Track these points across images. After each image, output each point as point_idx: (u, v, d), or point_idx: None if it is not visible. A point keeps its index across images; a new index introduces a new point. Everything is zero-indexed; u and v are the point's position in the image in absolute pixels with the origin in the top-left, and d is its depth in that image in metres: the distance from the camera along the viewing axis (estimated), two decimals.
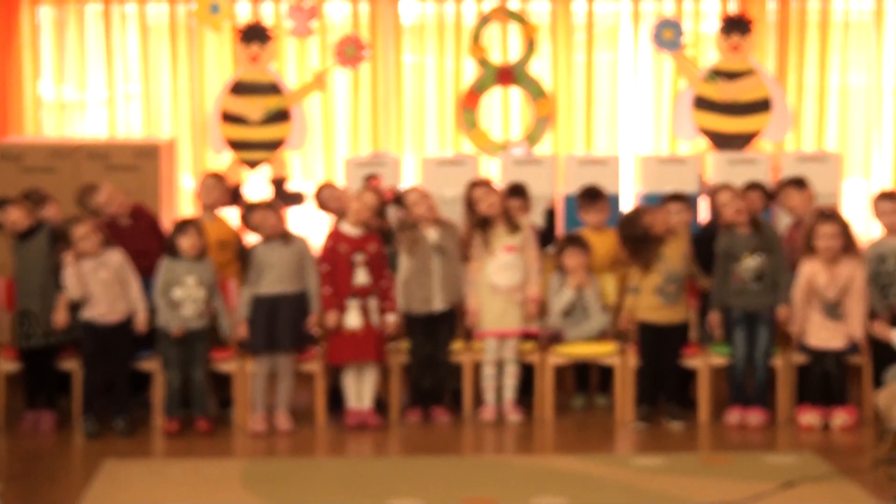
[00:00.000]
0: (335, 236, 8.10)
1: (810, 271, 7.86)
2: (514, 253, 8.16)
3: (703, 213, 9.17)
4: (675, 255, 8.09)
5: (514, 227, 8.19)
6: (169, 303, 7.89)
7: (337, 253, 8.03)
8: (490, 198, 8.20)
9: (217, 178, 8.87)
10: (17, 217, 7.99)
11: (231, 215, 9.29)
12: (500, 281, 8.14)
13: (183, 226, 8.00)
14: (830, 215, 7.99)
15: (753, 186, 8.45)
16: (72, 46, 10.07)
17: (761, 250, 8.01)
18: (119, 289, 7.91)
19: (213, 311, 8.00)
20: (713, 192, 8.27)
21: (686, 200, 8.33)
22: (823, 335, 7.93)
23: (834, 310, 7.86)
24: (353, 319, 7.98)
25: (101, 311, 7.88)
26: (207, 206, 8.67)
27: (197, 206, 8.83)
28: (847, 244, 7.85)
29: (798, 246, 8.06)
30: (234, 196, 9.55)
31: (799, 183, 8.36)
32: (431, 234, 8.20)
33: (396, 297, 8.11)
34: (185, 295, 7.89)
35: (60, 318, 7.92)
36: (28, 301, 7.98)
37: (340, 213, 8.30)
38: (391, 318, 8.05)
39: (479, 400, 8.30)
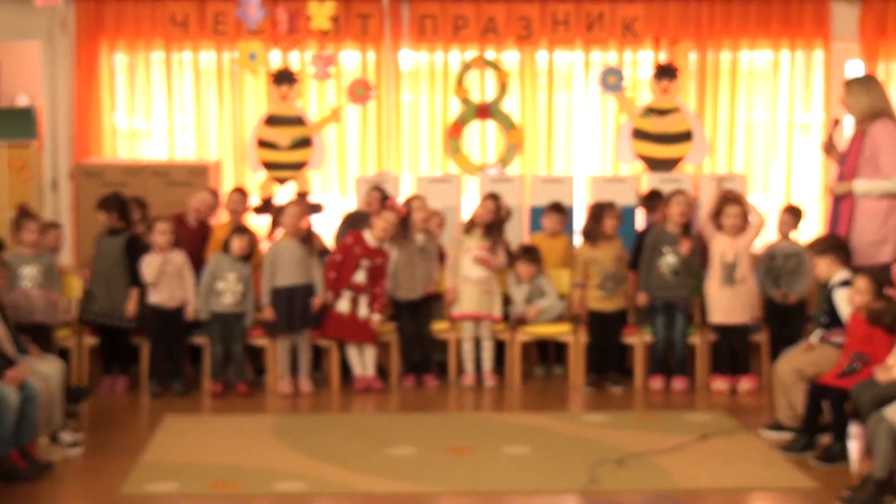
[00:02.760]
0: (356, 238, 8.12)
1: (720, 242, 7.97)
2: (484, 252, 8.23)
3: (639, 222, 9.24)
4: (608, 258, 8.16)
5: (489, 232, 8.28)
6: (212, 291, 7.97)
7: (351, 251, 8.08)
8: (487, 209, 8.31)
9: (241, 192, 8.94)
10: (104, 219, 8.08)
11: (262, 222, 9.36)
12: (471, 274, 8.22)
13: (241, 230, 8.09)
14: (735, 199, 8.09)
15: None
16: (140, 86, 10.08)
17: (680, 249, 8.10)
18: (178, 282, 7.97)
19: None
20: (668, 197, 8.25)
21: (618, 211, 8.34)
22: (724, 309, 8.00)
23: (730, 274, 7.93)
24: (342, 305, 8.05)
25: (164, 297, 7.94)
26: (233, 215, 8.74)
27: (226, 214, 8.88)
28: (745, 225, 7.99)
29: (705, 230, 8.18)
30: (266, 205, 9.60)
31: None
32: (419, 237, 8.27)
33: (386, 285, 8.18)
34: (225, 287, 7.95)
35: (132, 308, 8.00)
36: (95, 284, 8.05)
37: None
38: (376, 318, 8.08)
39: (461, 369, 8.37)
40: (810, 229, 9.39)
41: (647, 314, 8.22)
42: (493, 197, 8.44)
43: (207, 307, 7.98)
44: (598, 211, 8.23)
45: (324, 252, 8.45)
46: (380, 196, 8.64)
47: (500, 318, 8.30)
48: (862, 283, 6.50)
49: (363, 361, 8.13)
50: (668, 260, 8.07)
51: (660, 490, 6.08)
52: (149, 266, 7.89)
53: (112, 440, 7.02)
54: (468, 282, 8.23)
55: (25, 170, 9.95)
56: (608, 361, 8.25)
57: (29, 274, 7.72)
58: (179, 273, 7.99)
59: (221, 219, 8.82)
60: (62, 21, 9.82)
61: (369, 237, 8.10)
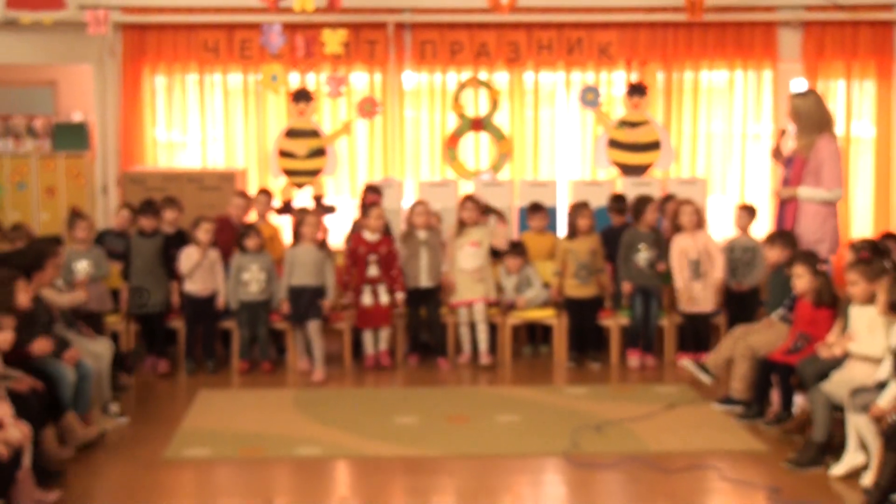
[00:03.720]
0: (356, 240, 8.15)
1: (679, 243, 7.99)
2: (476, 247, 8.25)
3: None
4: (582, 250, 8.17)
5: (479, 230, 8.31)
6: (239, 282, 7.95)
7: (357, 253, 8.09)
8: (468, 209, 8.32)
9: (267, 194, 8.94)
10: (146, 223, 8.09)
11: (282, 222, 9.36)
12: (465, 265, 8.24)
13: (247, 230, 8.07)
14: (688, 201, 8.14)
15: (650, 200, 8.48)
16: (177, 104, 10.08)
17: (654, 245, 8.10)
18: (210, 274, 7.99)
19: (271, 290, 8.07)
20: (642, 204, 8.21)
21: (591, 212, 8.36)
22: (692, 299, 7.99)
23: (697, 268, 7.93)
24: (366, 299, 8.04)
25: (198, 287, 7.96)
26: (260, 213, 8.76)
27: (254, 213, 8.87)
28: (700, 221, 7.98)
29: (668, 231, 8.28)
30: (287, 207, 9.60)
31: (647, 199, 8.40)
32: (421, 234, 8.26)
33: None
34: (250, 277, 7.95)
35: (176, 299, 8.08)
36: (141, 280, 8.02)
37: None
38: (399, 295, 8.07)
39: (458, 349, 8.38)
40: (761, 225, 9.41)
41: (626, 299, 8.23)
42: (468, 198, 8.48)
43: (236, 298, 7.98)
44: (573, 210, 8.30)
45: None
46: (374, 196, 8.66)
47: (496, 301, 8.29)
48: (799, 268, 6.62)
49: (377, 340, 8.12)
50: (643, 255, 8.09)
51: (633, 452, 6.10)
52: (188, 259, 7.93)
53: (154, 411, 7.05)
54: (464, 273, 8.24)
55: (80, 177, 10.01)
56: (587, 341, 8.25)
57: (82, 268, 7.75)
58: (213, 267, 8.01)
59: (251, 217, 8.80)
60: (111, 48, 9.84)
61: (368, 234, 8.11)
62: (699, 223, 8.02)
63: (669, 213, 8.38)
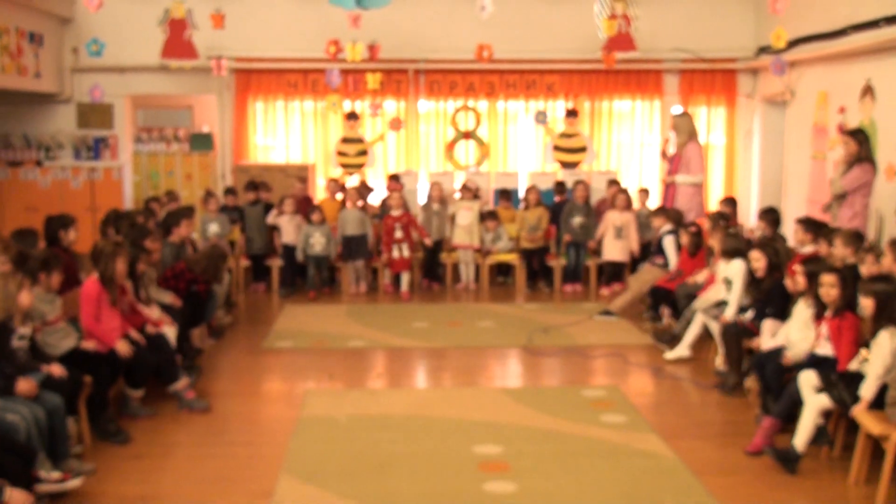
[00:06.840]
0: (386, 217, 8.05)
1: (611, 215, 7.93)
2: (469, 210, 8.17)
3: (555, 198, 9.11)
4: (531, 217, 8.10)
5: (472, 199, 8.21)
6: (307, 244, 7.85)
7: (388, 225, 7.96)
8: (465, 189, 8.33)
9: (335, 181, 8.83)
10: (249, 196, 8.04)
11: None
12: (462, 222, 8.19)
13: (313, 209, 7.98)
14: (624, 190, 8.09)
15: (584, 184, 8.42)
16: (270, 121, 9.91)
17: (585, 215, 8.04)
18: (297, 231, 7.88)
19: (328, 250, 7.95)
20: (575, 185, 8.27)
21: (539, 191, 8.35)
22: (613, 252, 7.93)
23: (619, 233, 7.86)
24: (394, 253, 7.91)
25: (289, 239, 7.87)
26: (331, 193, 8.66)
27: (326, 192, 8.77)
28: (628, 203, 7.93)
29: (605, 207, 8.19)
30: (342, 188, 9.47)
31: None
32: (435, 206, 8.18)
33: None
34: (315, 241, 7.84)
35: (278, 245, 7.96)
36: (251, 233, 8.04)
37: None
38: (427, 241, 7.99)
39: (455, 280, 8.31)
40: (653, 201, 9.32)
41: (564, 249, 8.18)
42: (465, 186, 8.50)
43: (305, 253, 7.86)
44: (527, 192, 8.31)
45: (374, 215, 8.34)
46: (396, 184, 8.55)
47: (479, 247, 8.23)
48: (682, 233, 6.56)
49: (399, 282, 8.02)
50: (577, 219, 8.04)
51: (567, 345, 6.06)
52: (277, 220, 7.88)
53: (257, 319, 7.00)
54: (461, 227, 8.21)
55: (207, 168, 9.90)
56: (536, 275, 8.19)
57: (213, 229, 7.75)
58: (299, 227, 7.91)
59: (320, 196, 8.67)
60: (227, 84, 9.66)
61: (393, 212, 8.00)
62: (628, 205, 7.95)
63: (610, 197, 8.31)
